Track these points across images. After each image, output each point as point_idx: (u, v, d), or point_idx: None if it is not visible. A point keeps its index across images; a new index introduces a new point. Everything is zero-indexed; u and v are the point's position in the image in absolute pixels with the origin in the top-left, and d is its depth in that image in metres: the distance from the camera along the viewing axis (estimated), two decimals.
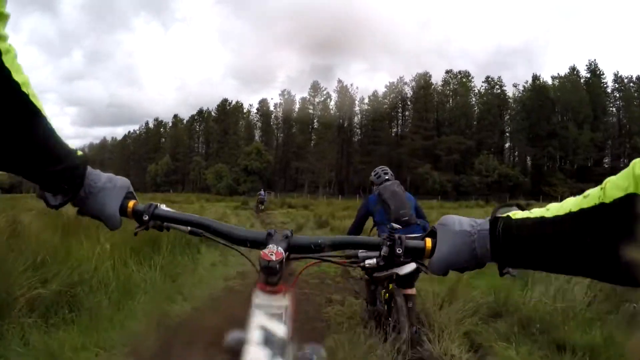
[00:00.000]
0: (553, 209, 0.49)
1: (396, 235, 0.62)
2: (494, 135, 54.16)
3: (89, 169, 0.64)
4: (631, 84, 54.61)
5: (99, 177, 0.65)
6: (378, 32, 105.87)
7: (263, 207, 23.34)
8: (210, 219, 0.69)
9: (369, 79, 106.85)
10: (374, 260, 0.64)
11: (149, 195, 45.36)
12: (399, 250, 0.61)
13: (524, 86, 58.19)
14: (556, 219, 0.47)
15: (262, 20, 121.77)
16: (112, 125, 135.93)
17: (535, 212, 0.51)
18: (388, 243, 0.62)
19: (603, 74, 57.37)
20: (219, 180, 63.72)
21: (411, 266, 2.71)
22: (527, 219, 0.51)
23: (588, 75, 57.08)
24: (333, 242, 0.66)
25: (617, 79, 55.49)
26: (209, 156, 76.97)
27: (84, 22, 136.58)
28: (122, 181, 0.68)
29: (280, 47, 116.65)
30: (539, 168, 54.49)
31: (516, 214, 0.53)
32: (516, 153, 55.72)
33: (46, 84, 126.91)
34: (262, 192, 26.08)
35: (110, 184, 0.65)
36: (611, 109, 56.30)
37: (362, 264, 0.65)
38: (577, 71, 58.36)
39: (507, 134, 57.59)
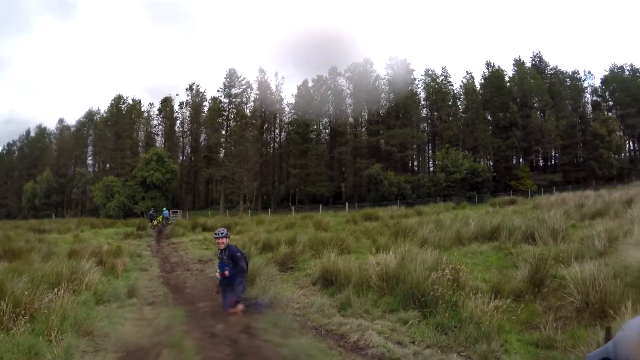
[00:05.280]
0: None
1: None
2: (453, 127, 44.57)
3: None
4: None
5: None
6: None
7: (166, 228, 20.20)
8: None
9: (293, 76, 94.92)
10: None
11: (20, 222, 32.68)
12: None
13: (472, 76, 50.63)
14: None
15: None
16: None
17: None
18: None
19: (548, 65, 53.27)
20: (109, 198, 48.19)
21: None
22: None
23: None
24: None
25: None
26: (99, 168, 60.23)
27: None
28: None
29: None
30: (504, 161, 46.80)
31: None
32: (477, 146, 46.47)
33: None
34: (165, 212, 24.55)
35: None
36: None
37: None
38: (523, 62, 53.08)
39: (461, 126, 48.52)
